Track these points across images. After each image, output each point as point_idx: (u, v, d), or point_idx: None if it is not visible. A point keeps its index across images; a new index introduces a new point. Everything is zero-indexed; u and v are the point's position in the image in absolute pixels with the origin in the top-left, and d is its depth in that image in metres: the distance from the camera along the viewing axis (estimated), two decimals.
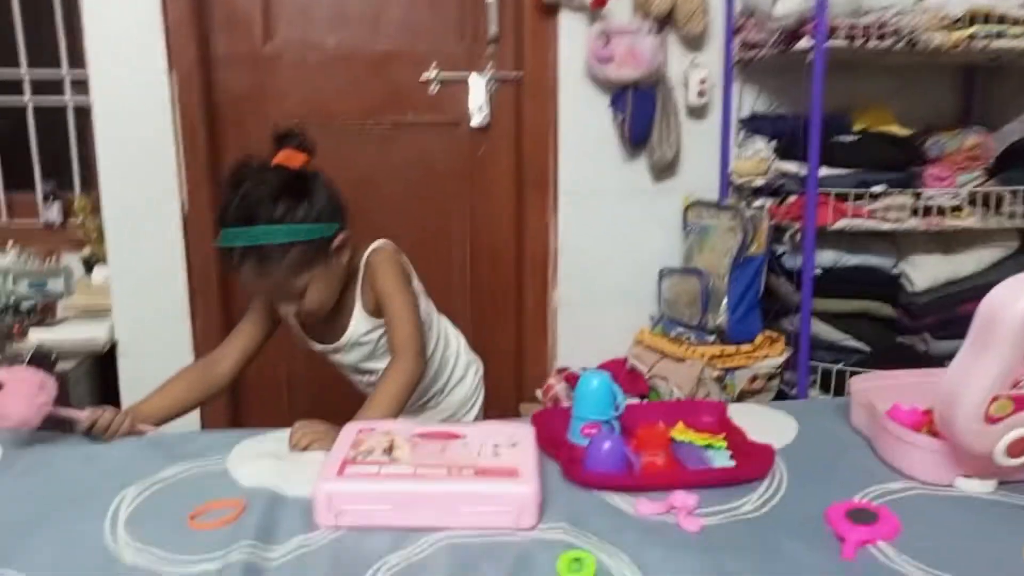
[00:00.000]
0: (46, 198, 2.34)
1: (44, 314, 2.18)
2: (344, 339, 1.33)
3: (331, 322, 1.32)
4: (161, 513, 0.88)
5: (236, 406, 2.30)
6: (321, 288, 1.22)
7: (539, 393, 2.23)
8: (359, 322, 1.32)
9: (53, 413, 1.05)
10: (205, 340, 2.16)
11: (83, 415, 1.09)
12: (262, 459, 1.02)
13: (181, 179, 2.12)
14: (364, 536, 0.83)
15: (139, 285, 2.14)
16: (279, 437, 1.10)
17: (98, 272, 2.20)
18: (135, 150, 2.08)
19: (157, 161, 2.10)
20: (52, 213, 2.34)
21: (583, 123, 2.21)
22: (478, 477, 0.87)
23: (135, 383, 2.14)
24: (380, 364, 1.31)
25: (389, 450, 0.93)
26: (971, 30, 1.81)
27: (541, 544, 0.81)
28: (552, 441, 1.05)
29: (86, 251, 2.26)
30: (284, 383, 2.33)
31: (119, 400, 2.13)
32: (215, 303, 2.19)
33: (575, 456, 1.01)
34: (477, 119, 2.24)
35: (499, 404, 2.36)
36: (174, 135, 2.10)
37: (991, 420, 0.87)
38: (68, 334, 2.08)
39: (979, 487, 0.93)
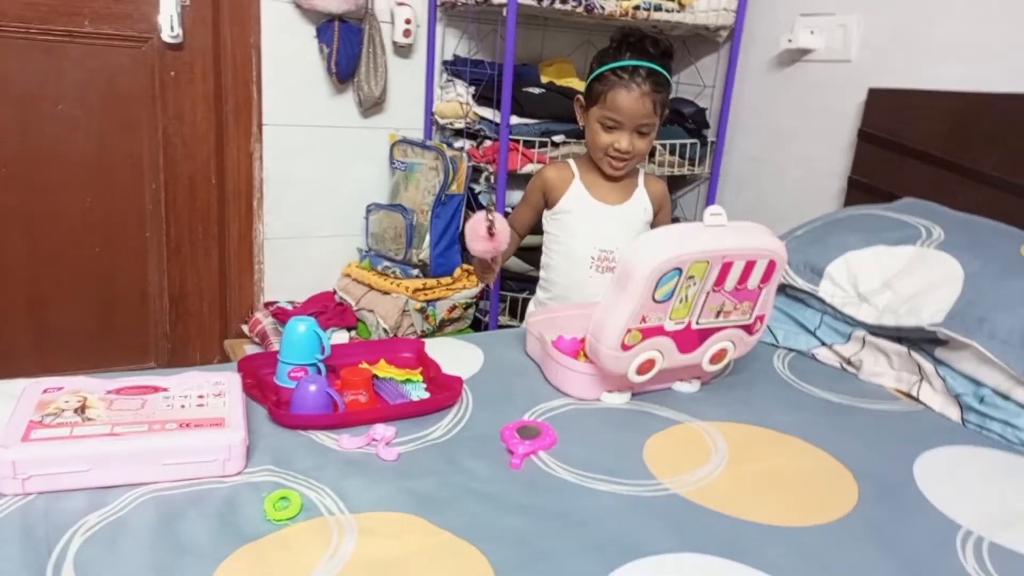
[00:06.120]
0: None
1: None
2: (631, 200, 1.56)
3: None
4: None
5: None
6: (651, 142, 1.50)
7: (245, 328, 2.20)
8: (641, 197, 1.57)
9: None
10: None
11: None
12: None
13: None
14: (58, 499, 0.81)
15: None
16: None
17: None
18: None
19: None
20: None
21: (288, 51, 2.14)
22: (181, 430, 0.88)
23: None
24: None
25: (81, 410, 0.91)
26: (636, 1, 2.09)
27: (248, 487, 0.86)
28: (259, 385, 1.09)
29: None
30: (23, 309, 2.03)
31: None
32: None
33: (282, 399, 1.07)
34: (168, 34, 2.06)
35: (202, 340, 2.29)
36: None
37: (625, 347, 1.10)
38: None
39: (618, 399, 1.17)
